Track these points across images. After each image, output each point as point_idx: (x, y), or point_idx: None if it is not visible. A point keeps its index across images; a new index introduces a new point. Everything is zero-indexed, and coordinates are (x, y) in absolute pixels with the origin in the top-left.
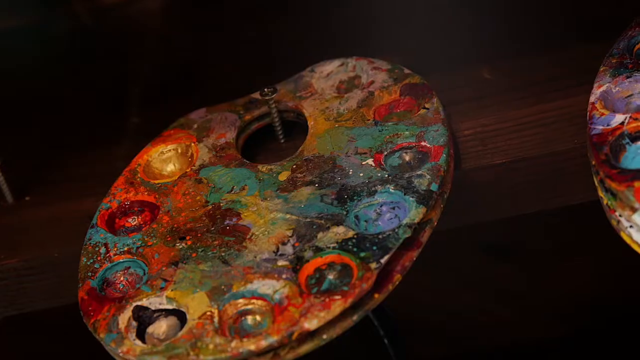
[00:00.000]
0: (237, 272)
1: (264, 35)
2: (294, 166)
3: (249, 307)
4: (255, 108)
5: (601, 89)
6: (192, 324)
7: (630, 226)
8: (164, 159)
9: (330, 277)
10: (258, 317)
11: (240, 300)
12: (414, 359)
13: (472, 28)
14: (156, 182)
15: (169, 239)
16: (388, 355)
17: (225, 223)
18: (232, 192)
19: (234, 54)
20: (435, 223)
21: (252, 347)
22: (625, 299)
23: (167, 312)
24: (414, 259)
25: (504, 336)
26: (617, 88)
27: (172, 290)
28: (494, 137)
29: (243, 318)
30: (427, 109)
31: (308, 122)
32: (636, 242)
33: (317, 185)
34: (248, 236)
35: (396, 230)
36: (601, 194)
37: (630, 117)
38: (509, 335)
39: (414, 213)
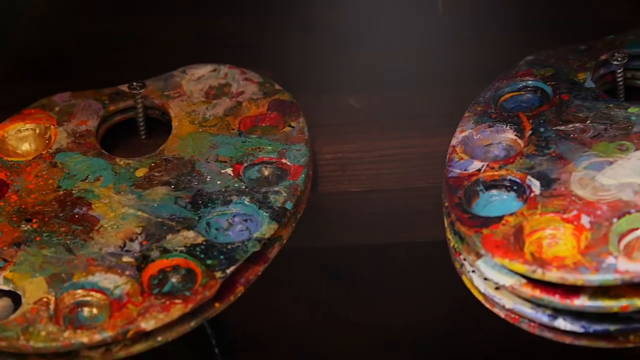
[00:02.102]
0: (80, 261)
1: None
2: (153, 164)
3: (87, 298)
4: (121, 100)
5: (463, 134)
6: (26, 308)
7: (473, 271)
8: (20, 137)
9: (174, 280)
10: (95, 310)
11: (79, 291)
12: None
13: (352, 57)
14: (9, 159)
15: (14, 218)
16: None
17: (75, 211)
18: (86, 180)
19: (107, 45)
20: (285, 241)
21: (85, 340)
22: (448, 339)
23: (2, 293)
24: (259, 273)
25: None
26: (478, 135)
27: (10, 271)
28: (354, 165)
29: (79, 309)
30: (293, 127)
31: (172, 123)
32: (476, 287)
33: (173, 186)
34: (96, 227)
35: (246, 242)
36: (449, 235)
37: (488, 165)
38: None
39: (266, 228)
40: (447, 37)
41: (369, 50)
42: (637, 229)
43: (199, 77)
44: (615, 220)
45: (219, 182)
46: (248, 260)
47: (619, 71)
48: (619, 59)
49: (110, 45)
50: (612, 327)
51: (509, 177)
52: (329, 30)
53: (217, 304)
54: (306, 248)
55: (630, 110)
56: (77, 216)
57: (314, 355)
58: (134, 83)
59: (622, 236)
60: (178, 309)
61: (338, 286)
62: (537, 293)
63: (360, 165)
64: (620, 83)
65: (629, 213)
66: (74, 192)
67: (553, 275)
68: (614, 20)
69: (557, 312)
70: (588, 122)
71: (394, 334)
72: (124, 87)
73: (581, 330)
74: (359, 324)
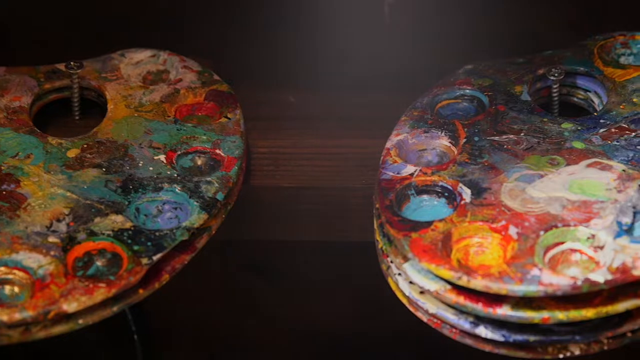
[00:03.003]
0: (4, 239)
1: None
2: (85, 145)
3: (9, 276)
4: (57, 79)
5: (398, 137)
6: None
7: (399, 274)
8: None
9: (99, 263)
10: (16, 289)
11: (2, 268)
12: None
13: (294, 54)
14: None
15: None
16: (134, 353)
17: (2, 187)
18: (16, 157)
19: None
20: (214, 232)
21: (4, 318)
22: (370, 341)
23: None
24: (186, 262)
25: (246, 353)
26: (413, 140)
27: None
28: (288, 161)
29: (0, 287)
30: (229, 118)
31: (108, 105)
32: (401, 290)
33: (104, 169)
34: (23, 205)
35: (174, 230)
36: (378, 237)
37: (420, 170)
38: (256, 353)
39: (195, 218)
40: (391, 43)
41: (312, 48)
42: (562, 243)
43: (137, 61)
44: (542, 233)
45: (151, 168)
46: (175, 248)
47: (555, 86)
48: (556, 74)
49: (49, 24)
50: (531, 338)
51: (440, 183)
52: (274, 25)
53: (141, 290)
54: (234, 240)
55: (563, 125)
56: (4, 193)
57: (233, 348)
58: (71, 62)
59: (547, 249)
60: (101, 292)
61: (263, 280)
62: (461, 300)
63: (294, 161)
64: (556, 98)
65: (556, 227)
66: (2, 168)
67: (478, 283)
68: (553, 36)
69: (479, 319)
70: (522, 134)
71: (315, 331)
72: (61, 66)
73: (502, 339)
74: (280, 319)
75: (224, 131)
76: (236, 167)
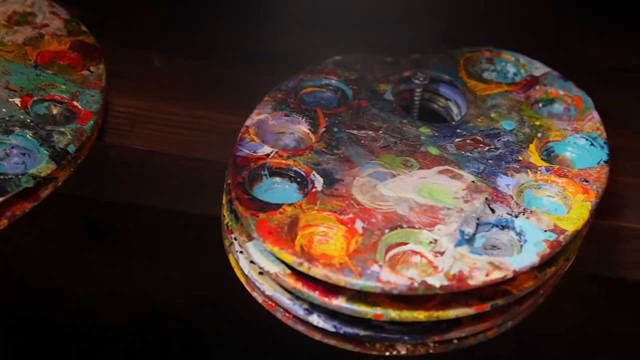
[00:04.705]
0: None
1: None
2: None
3: None
4: None
5: (259, 117)
6: None
7: (241, 251)
8: None
9: None
10: None
11: None
12: None
13: (167, 16)
14: None
15: None
16: None
17: None
18: None
19: None
20: (60, 183)
21: None
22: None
23: None
24: (27, 210)
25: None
26: (273, 121)
27: None
28: (145, 124)
29: None
30: (91, 72)
31: None
32: (240, 268)
33: None
34: None
35: (20, 176)
36: (225, 212)
37: (277, 152)
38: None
39: (43, 167)
40: (267, 20)
41: (186, 12)
42: (405, 243)
43: None
44: (387, 231)
45: (4, 110)
46: (18, 195)
47: (418, 90)
48: (421, 78)
49: None
50: (362, 332)
51: (294, 168)
52: None
53: None
54: (79, 196)
55: (421, 129)
56: None
57: (61, 308)
58: None
59: (390, 248)
60: None
61: (101, 241)
62: (299, 285)
63: (152, 125)
64: (417, 102)
65: (401, 227)
66: None
67: (318, 271)
68: (425, 41)
69: (314, 307)
70: (380, 132)
71: (147, 298)
72: None
73: (332, 329)
74: (113, 283)
75: (85, 84)
76: (92, 122)
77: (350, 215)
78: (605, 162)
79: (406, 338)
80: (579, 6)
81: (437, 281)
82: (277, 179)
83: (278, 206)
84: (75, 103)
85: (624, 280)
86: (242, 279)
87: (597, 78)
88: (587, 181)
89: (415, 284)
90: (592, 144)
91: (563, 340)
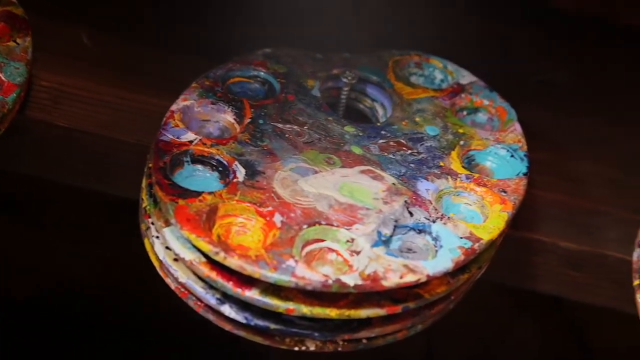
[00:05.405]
0: None
1: None
2: None
3: None
4: None
5: (185, 103)
6: None
7: (157, 237)
8: None
9: None
10: None
11: None
12: None
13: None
14: None
15: None
16: None
17: None
18: None
19: None
20: None
21: None
22: (111, 296)
23: None
24: None
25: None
26: (199, 108)
27: None
28: (68, 100)
29: None
30: (18, 44)
31: None
32: (155, 253)
33: None
34: None
35: None
36: (144, 196)
37: (200, 140)
38: None
39: None
40: (206, 7)
41: None
42: (322, 240)
43: None
44: (305, 226)
45: None
46: None
47: (345, 89)
48: (349, 77)
49: None
50: (272, 326)
51: (217, 157)
52: None
53: None
54: None
55: (346, 128)
56: None
57: None
58: None
59: (307, 243)
60: None
61: (13, 216)
62: (213, 274)
63: (74, 102)
64: (343, 101)
65: (319, 223)
66: None
67: (234, 262)
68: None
69: (227, 298)
70: (305, 127)
71: (54, 278)
72: None
73: (243, 321)
74: (22, 260)
75: (10, 55)
76: (14, 94)
77: (270, 208)
78: (524, 174)
79: (316, 334)
80: (507, 22)
81: (351, 280)
82: (199, 166)
83: (198, 194)
84: None
85: (534, 292)
86: (156, 264)
87: (522, 91)
88: (505, 192)
89: (330, 282)
90: (512, 156)
91: (468, 348)
